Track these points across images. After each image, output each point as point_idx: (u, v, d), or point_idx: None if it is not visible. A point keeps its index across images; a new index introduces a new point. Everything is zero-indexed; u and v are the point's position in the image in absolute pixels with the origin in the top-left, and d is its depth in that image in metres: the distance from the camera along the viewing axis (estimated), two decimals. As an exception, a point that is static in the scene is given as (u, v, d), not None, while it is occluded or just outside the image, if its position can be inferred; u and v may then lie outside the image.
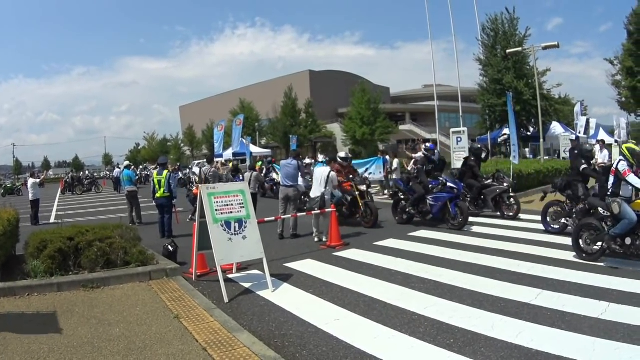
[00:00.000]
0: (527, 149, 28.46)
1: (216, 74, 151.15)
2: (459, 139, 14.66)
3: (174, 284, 5.98)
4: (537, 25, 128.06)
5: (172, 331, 4.31)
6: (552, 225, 8.39)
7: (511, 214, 10.20)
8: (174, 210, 10.38)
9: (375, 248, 7.94)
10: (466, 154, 12.01)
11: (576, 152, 13.02)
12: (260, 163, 24.83)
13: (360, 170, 14.34)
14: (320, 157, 10.83)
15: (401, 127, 54.70)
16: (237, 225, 5.90)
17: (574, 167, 8.63)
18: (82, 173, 41.57)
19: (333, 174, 9.18)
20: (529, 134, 27.26)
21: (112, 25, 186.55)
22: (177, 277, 6.29)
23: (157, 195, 10.04)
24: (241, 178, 13.14)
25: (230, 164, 21.85)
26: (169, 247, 7.44)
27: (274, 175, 18.09)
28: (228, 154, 28.89)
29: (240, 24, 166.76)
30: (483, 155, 11.53)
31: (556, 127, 28.50)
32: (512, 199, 10.40)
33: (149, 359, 3.73)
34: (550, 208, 8.49)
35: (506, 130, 24.07)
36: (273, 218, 8.64)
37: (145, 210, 13.25)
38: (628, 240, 5.96)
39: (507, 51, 23.52)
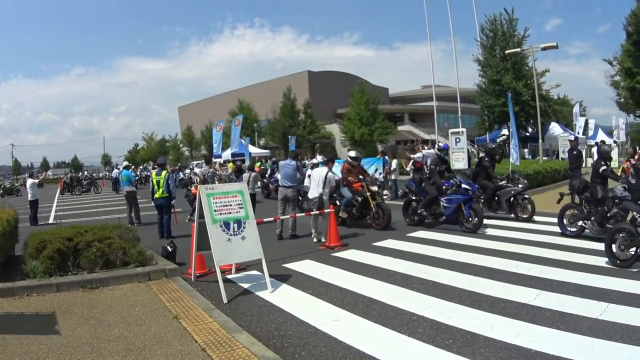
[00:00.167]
0: (525, 150, 28.53)
1: (215, 74, 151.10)
2: (457, 140, 14.66)
3: (173, 285, 5.98)
4: (536, 26, 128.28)
5: (171, 331, 4.31)
6: (568, 228, 8.15)
7: (525, 215, 9.95)
8: (172, 210, 10.37)
9: (374, 248, 7.94)
10: (464, 155, 11.96)
11: (575, 152, 13.08)
12: (258, 164, 24.86)
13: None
14: (319, 158, 10.79)
15: (400, 128, 54.69)
16: (236, 225, 5.90)
17: (592, 168, 8.40)
18: (80, 173, 41.48)
19: (331, 174, 9.16)
20: (527, 134, 27.32)
21: (111, 25, 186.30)
22: (176, 278, 6.29)
23: (156, 195, 10.03)
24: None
25: (230, 165, 21.86)
26: (168, 247, 7.43)
27: (279, 176, 18.11)
28: (227, 154, 28.89)
29: (239, 25, 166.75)
30: (497, 157, 11.14)
31: (555, 128, 28.58)
32: (526, 201, 10.11)
33: (148, 360, 3.73)
34: (567, 210, 8.26)
35: (505, 131, 24.11)
36: (272, 218, 8.64)
37: (144, 211, 13.25)
38: None
39: (506, 52, 23.60)
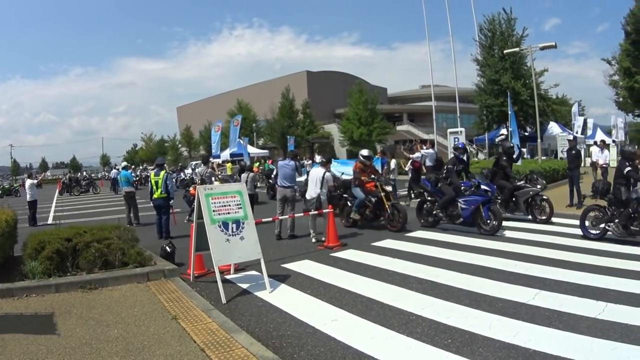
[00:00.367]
0: (524, 149, 28.57)
1: (213, 74, 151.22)
2: (456, 139, 14.72)
3: (171, 285, 5.98)
4: (535, 26, 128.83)
5: (170, 332, 4.31)
6: (591, 231, 7.89)
7: (543, 217, 9.61)
8: (171, 211, 10.37)
9: (373, 249, 7.95)
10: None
11: (573, 152, 13.08)
12: (257, 164, 24.87)
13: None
14: (318, 158, 10.77)
15: (398, 128, 54.72)
16: (234, 226, 5.90)
17: (616, 169, 7.99)
18: (79, 174, 41.45)
19: (328, 174, 9.14)
20: (526, 134, 27.38)
21: (110, 25, 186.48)
22: (174, 278, 6.28)
23: (155, 196, 10.03)
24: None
25: (229, 165, 21.85)
26: (167, 248, 7.43)
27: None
28: (225, 154, 28.91)
29: (237, 25, 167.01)
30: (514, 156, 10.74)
31: (553, 127, 28.65)
32: (544, 202, 9.73)
33: (147, 360, 3.73)
34: (589, 212, 8.03)
35: (503, 131, 24.16)
36: (270, 219, 8.63)
37: (143, 211, 13.24)
38: None
39: (505, 51, 23.61)
